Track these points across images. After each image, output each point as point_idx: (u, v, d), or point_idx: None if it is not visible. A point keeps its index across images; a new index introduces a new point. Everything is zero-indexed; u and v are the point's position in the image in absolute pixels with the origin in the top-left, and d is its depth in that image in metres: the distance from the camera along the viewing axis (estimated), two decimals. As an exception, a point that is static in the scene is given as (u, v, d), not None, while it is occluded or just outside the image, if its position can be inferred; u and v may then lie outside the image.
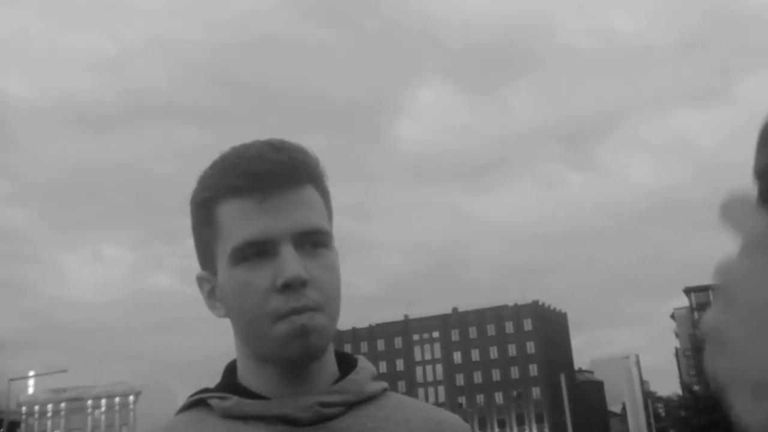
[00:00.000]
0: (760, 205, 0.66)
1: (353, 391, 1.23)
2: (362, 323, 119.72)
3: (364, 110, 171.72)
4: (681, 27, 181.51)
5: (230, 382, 1.25)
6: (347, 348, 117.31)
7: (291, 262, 1.16)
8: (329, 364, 1.25)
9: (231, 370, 1.28)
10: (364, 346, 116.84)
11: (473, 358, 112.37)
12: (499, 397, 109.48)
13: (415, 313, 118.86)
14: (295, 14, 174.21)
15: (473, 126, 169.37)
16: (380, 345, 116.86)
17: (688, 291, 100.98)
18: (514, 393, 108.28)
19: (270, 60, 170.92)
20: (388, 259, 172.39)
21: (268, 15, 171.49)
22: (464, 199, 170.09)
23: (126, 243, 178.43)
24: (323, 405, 1.20)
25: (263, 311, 1.17)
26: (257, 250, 1.17)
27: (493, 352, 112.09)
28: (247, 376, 1.24)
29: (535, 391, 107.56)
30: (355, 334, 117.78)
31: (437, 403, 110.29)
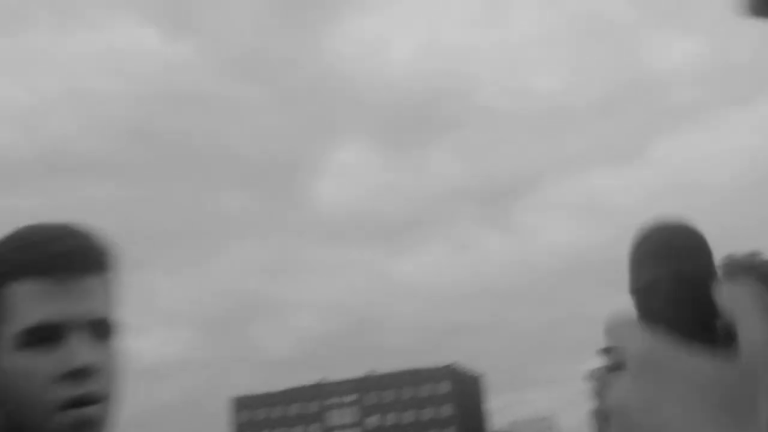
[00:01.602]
0: (640, 323, 0.71)
1: None
2: (276, 387, 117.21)
3: (282, 168, 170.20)
4: (598, 88, 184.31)
5: None
6: (261, 413, 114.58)
7: (79, 350, 1.12)
8: None
9: None
10: (277, 411, 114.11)
11: (389, 422, 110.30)
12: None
13: (331, 376, 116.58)
14: (216, 68, 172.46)
15: (392, 185, 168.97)
16: (295, 409, 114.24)
17: (603, 351, 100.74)
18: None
19: (188, 114, 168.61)
20: (304, 321, 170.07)
21: (188, 68, 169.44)
22: (381, 259, 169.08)
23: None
24: None
25: (44, 400, 1.12)
26: (45, 335, 1.13)
27: (410, 416, 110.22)
28: None
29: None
30: (269, 398, 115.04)
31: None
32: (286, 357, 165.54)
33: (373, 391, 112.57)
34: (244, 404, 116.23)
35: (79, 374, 1.11)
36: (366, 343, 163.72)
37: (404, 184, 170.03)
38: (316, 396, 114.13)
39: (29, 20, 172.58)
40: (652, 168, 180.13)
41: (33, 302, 1.13)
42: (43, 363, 1.11)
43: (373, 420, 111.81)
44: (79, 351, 1.11)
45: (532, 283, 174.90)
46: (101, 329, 1.16)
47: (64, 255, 1.14)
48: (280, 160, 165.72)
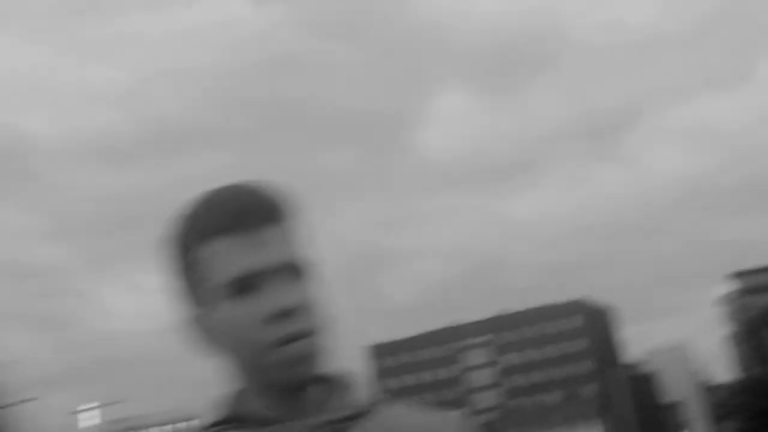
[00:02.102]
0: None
1: (349, 406, 1.28)
2: (410, 333, 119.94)
3: (386, 122, 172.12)
4: (695, 11, 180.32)
5: (232, 413, 1.29)
6: (397, 359, 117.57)
7: (280, 292, 1.21)
8: (324, 384, 1.29)
9: (230, 400, 1.31)
10: (414, 356, 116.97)
11: (524, 360, 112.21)
12: (553, 397, 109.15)
13: (462, 319, 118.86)
14: (308, 30, 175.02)
15: (497, 128, 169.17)
16: (431, 353, 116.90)
17: (735, 275, 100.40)
18: (569, 392, 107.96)
19: (287, 78, 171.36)
20: (427, 268, 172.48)
21: (280, 33, 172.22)
22: (495, 201, 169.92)
23: (161, 271, 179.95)
24: (331, 422, 1.25)
25: (258, 342, 1.21)
26: (245, 285, 1.22)
27: (544, 352, 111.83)
28: (247, 404, 1.28)
29: (590, 388, 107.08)
30: (403, 344, 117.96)
31: (491, 408, 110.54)
32: (414, 304, 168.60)
33: (506, 330, 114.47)
34: (382, 351, 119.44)
35: (284, 314, 1.20)
36: (492, 284, 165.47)
37: (509, 126, 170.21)
38: (451, 338, 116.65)
39: (122, 4, 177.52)
40: (759, 88, 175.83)
41: (228, 258, 1.22)
42: (250, 309, 1.21)
43: (508, 358, 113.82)
44: (279, 293, 1.20)
45: (649, 214, 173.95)
46: (295, 271, 1.24)
47: (248, 210, 1.23)
48: (384, 114, 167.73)
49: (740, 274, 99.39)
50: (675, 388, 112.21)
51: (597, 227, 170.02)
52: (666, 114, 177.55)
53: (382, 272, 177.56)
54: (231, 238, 1.23)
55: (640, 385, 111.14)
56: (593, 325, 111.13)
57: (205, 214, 1.26)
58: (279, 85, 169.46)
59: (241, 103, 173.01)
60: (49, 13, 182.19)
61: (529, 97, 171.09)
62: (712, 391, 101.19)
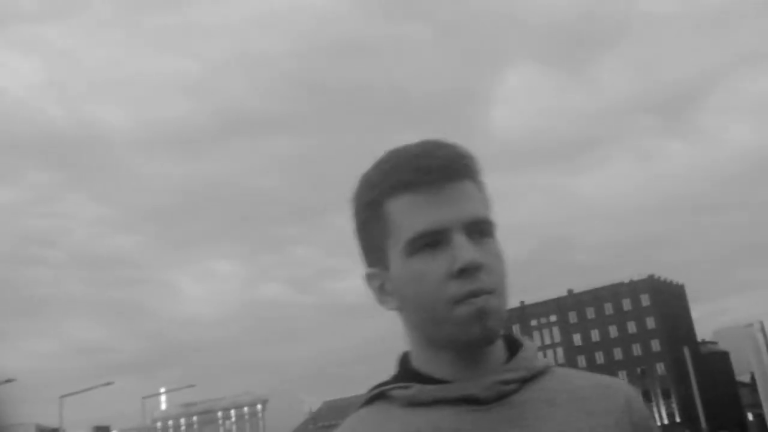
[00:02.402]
0: None
1: (525, 368, 1.29)
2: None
3: (454, 101, 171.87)
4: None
5: (408, 371, 1.31)
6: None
7: (465, 249, 1.21)
8: (499, 346, 1.31)
9: (405, 360, 1.33)
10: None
11: (593, 339, 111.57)
12: (623, 376, 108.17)
13: (531, 298, 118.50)
14: (373, 13, 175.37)
15: (565, 105, 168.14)
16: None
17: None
18: (638, 371, 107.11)
19: (354, 62, 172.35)
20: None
21: (345, 17, 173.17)
22: (565, 179, 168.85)
23: (234, 257, 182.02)
24: (503, 383, 1.26)
25: (442, 297, 1.21)
26: (430, 240, 1.23)
27: (613, 331, 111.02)
28: (423, 364, 1.30)
29: (660, 367, 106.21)
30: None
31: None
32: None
33: (574, 309, 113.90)
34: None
35: (468, 271, 1.21)
36: (561, 263, 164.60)
37: (577, 103, 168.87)
38: (518, 318, 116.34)
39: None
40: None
41: (413, 214, 1.24)
42: (433, 265, 1.22)
43: (577, 337, 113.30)
44: (464, 250, 1.21)
45: (721, 188, 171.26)
46: (479, 229, 1.25)
47: (434, 166, 1.24)
48: (452, 94, 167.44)
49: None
50: (747, 366, 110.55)
51: (667, 203, 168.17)
52: (736, 86, 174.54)
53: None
54: (419, 193, 1.24)
55: (712, 364, 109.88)
56: (663, 303, 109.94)
57: (393, 169, 1.27)
58: (349, 68, 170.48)
59: (311, 89, 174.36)
60: (120, 5, 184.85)
61: (597, 72, 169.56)
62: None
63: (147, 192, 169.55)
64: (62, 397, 47.89)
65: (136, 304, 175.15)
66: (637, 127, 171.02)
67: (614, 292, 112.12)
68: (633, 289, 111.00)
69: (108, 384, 51.17)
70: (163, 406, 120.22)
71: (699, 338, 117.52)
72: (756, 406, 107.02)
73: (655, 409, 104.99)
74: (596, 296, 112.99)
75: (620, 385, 1.34)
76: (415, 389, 1.26)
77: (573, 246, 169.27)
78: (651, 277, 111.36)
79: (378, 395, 1.31)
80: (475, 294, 1.21)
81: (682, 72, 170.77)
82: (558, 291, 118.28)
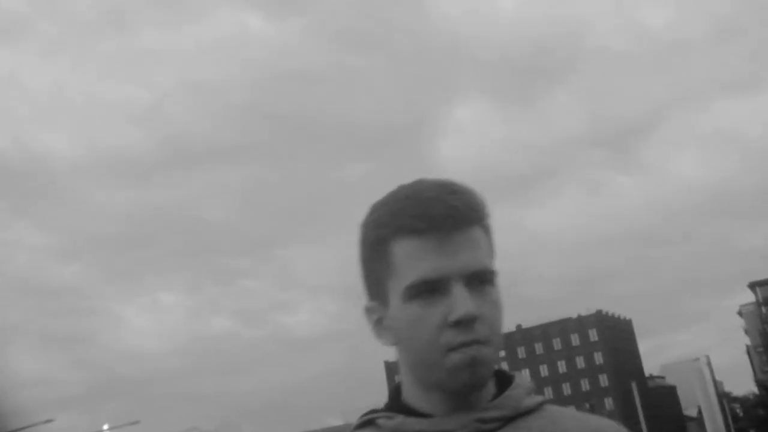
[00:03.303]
0: None
1: (510, 406, 1.30)
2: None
3: (405, 133, 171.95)
4: (713, 16, 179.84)
5: (396, 403, 1.35)
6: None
7: (463, 300, 1.23)
8: (488, 384, 1.32)
9: (397, 392, 1.37)
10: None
11: (542, 374, 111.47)
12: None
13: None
14: (324, 44, 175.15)
15: (514, 138, 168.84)
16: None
17: (753, 285, 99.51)
18: (587, 406, 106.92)
19: (305, 92, 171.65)
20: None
21: (296, 47, 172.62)
22: (514, 212, 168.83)
23: (182, 288, 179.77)
24: (482, 420, 1.28)
25: (435, 344, 1.24)
26: (430, 288, 1.25)
27: (562, 367, 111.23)
28: (412, 397, 1.33)
29: (608, 402, 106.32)
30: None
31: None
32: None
33: (522, 344, 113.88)
34: (396, 368, 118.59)
35: (464, 323, 1.22)
36: (510, 297, 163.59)
37: (527, 136, 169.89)
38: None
39: (138, 20, 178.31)
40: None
41: (417, 259, 1.25)
42: (431, 313, 1.24)
43: (525, 373, 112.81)
44: (461, 302, 1.22)
45: (668, 222, 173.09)
46: (480, 279, 1.27)
47: (443, 215, 1.25)
48: (400, 125, 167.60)
49: (760, 284, 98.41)
50: (694, 401, 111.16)
51: (616, 237, 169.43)
52: (684, 120, 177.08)
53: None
54: (426, 240, 1.26)
55: (660, 399, 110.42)
56: (611, 337, 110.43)
57: (401, 210, 1.29)
58: (297, 98, 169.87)
59: (259, 118, 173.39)
60: (66, 31, 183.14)
61: (547, 106, 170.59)
62: (732, 403, 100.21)
63: (92, 220, 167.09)
64: (-1, 435, 46.43)
65: (79, 334, 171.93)
66: (587, 160, 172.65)
67: (563, 327, 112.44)
68: (581, 324, 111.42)
69: (48, 421, 49.61)
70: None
71: (647, 373, 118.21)
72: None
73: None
74: (545, 331, 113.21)
75: (610, 429, 1.34)
76: (398, 421, 1.31)
77: (522, 280, 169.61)
78: (599, 312, 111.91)
79: (367, 422, 1.36)
80: (467, 344, 1.23)
81: (629, 107, 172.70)
82: (506, 326, 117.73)
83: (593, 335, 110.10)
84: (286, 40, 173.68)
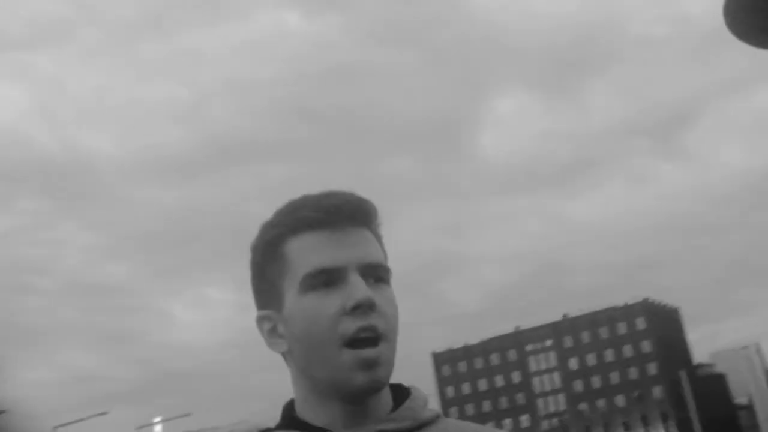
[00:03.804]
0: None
1: (410, 418, 1.27)
2: (473, 339, 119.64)
3: (443, 126, 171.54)
4: None
5: (291, 420, 1.30)
6: (462, 366, 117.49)
7: (360, 287, 1.23)
8: (385, 394, 1.29)
9: (289, 407, 1.32)
10: (478, 362, 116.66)
11: (589, 363, 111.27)
12: (620, 400, 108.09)
13: (526, 323, 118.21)
14: (364, 39, 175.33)
15: (556, 129, 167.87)
16: (494, 359, 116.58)
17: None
18: (636, 394, 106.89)
19: (344, 87, 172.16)
20: (489, 273, 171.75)
21: (335, 43, 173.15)
22: (558, 203, 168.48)
23: (228, 283, 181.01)
24: None
25: (332, 335, 1.22)
26: (327, 279, 1.24)
27: (609, 355, 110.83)
28: (307, 412, 1.29)
29: (657, 391, 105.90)
30: (468, 351, 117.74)
31: (558, 412, 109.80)
32: (477, 310, 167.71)
33: (569, 333, 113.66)
34: (443, 359, 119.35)
35: (362, 309, 1.21)
36: (555, 287, 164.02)
37: (569, 127, 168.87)
38: (514, 344, 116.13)
39: (177, 21, 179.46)
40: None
41: (312, 251, 1.25)
42: (327, 302, 1.22)
43: (573, 362, 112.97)
44: (358, 288, 1.22)
45: (715, 209, 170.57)
46: (376, 274, 1.26)
47: (336, 207, 1.26)
48: (441, 119, 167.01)
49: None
50: (745, 389, 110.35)
51: (661, 226, 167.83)
52: (726, 108, 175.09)
53: (445, 278, 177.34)
54: (321, 232, 1.26)
55: (709, 387, 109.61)
56: (659, 326, 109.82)
57: (296, 210, 1.29)
58: (337, 94, 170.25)
59: (300, 115, 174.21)
60: (108, 35, 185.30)
61: (588, 95, 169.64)
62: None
63: (138, 219, 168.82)
64: (56, 427, 47.47)
65: (130, 331, 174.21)
66: (630, 149, 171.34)
67: (609, 316, 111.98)
68: (628, 312, 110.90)
69: (103, 414, 50.69)
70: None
71: (695, 361, 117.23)
72: (754, 428, 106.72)
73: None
74: (592, 320, 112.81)
75: None
76: None
77: (567, 270, 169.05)
78: (646, 301, 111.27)
79: None
80: (364, 330, 1.21)
81: (672, 94, 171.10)
82: (553, 316, 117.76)
83: (641, 323, 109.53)
84: (325, 36, 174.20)
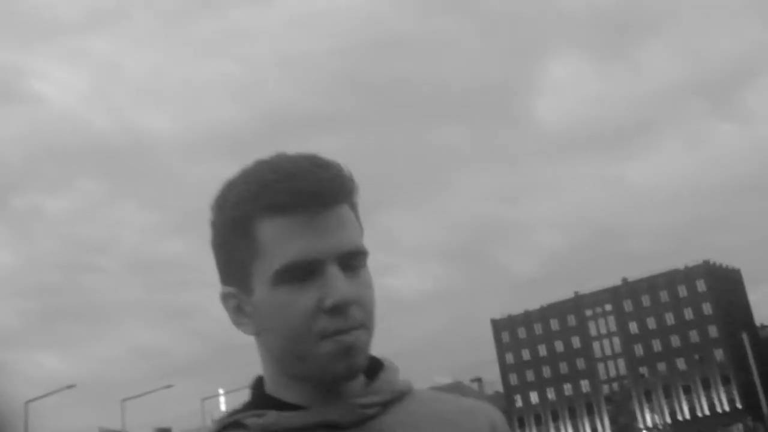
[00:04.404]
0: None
1: (387, 390, 1.24)
2: (533, 305, 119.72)
3: (498, 93, 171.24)
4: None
5: (262, 398, 1.24)
6: (521, 332, 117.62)
7: (338, 284, 1.15)
8: (360, 373, 1.25)
9: (259, 385, 1.26)
10: (537, 328, 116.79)
11: (650, 327, 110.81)
12: (681, 363, 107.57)
13: (585, 288, 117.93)
14: (412, 8, 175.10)
15: (611, 92, 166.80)
16: (554, 325, 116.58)
17: None
18: (696, 357, 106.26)
19: (396, 58, 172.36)
20: (546, 239, 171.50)
21: (386, 14, 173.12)
22: (614, 166, 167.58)
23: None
24: (364, 406, 1.21)
25: (308, 332, 1.16)
26: (302, 272, 1.16)
27: (670, 318, 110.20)
28: (278, 390, 1.23)
29: (718, 354, 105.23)
30: (527, 317, 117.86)
31: (618, 377, 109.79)
32: (536, 276, 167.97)
33: (629, 297, 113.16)
34: (503, 325, 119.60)
35: (340, 308, 1.15)
36: (614, 251, 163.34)
37: (623, 89, 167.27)
38: (574, 309, 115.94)
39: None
40: None
41: (286, 240, 1.15)
42: (303, 298, 1.15)
43: (633, 326, 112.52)
44: (336, 285, 1.14)
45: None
46: (353, 260, 1.18)
47: (312, 190, 1.16)
48: (494, 86, 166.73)
49: None
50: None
51: (719, 186, 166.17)
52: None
53: (502, 245, 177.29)
54: (294, 218, 1.16)
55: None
56: (719, 288, 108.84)
57: (266, 188, 1.18)
58: (388, 65, 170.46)
59: (353, 87, 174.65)
60: (161, 16, 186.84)
61: (642, 57, 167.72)
62: None
63: (194, 196, 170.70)
64: (124, 400, 48.72)
65: (190, 306, 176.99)
66: (686, 110, 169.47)
67: (669, 279, 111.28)
68: (688, 275, 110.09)
69: (168, 386, 52.00)
70: (223, 407, 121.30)
71: (758, 323, 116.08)
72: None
73: (715, 396, 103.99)
74: (651, 284, 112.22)
75: (483, 409, 1.31)
76: (271, 417, 1.19)
77: (625, 234, 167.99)
78: (706, 263, 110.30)
79: (231, 424, 1.22)
80: (343, 331, 1.16)
81: (729, 53, 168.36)
82: (612, 280, 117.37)
83: (701, 286, 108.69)
84: (375, 7, 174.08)
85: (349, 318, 1.16)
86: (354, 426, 1.20)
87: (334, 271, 1.16)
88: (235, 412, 1.24)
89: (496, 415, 1.31)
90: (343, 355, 1.16)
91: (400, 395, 1.25)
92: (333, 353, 1.16)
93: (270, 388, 1.24)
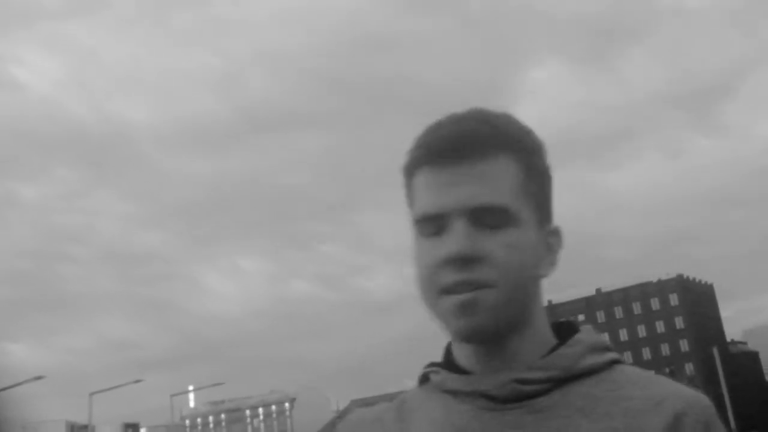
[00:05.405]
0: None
1: (562, 367, 1.15)
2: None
3: (479, 96, 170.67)
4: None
5: (446, 358, 1.25)
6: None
7: (457, 238, 1.12)
8: (536, 337, 1.19)
9: (449, 346, 1.26)
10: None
11: (621, 339, 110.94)
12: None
13: (559, 297, 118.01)
14: (396, 7, 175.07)
15: (592, 100, 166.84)
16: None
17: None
18: (667, 371, 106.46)
19: (378, 56, 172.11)
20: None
21: (369, 12, 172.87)
22: (593, 174, 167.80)
23: (262, 254, 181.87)
24: (522, 382, 1.14)
25: (432, 284, 1.15)
26: (433, 225, 1.16)
27: (641, 331, 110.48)
28: (456, 351, 1.23)
29: (688, 367, 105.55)
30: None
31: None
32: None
33: (602, 308, 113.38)
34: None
35: (458, 262, 1.11)
36: (588, 261, 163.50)
37: (605, 98, 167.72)
38: (548, 317, 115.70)
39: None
40: None
41: (421, 192, 1.17)
42: (429, 251, 1.15)
43: (605, 337, 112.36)
44: (455, 240, 1.12)
45: (750, 183, 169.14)
46: (485, 217, 1.13)
47: (455, 140, 1.14)
48: (475, 89, 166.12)
49: None
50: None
51: (696, 198, 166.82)
52: (765, 80, 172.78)
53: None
54: (432, 170, 1.16)
55: (742, 364, 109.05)
56: (692, 302, 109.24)
57: (422, 138, 1.20)
58: (369, 63, 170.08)
59: (332, 84, 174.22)
60: (141, 4, 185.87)
61: (625, 66, 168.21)
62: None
63: (173, 188, 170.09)
64: (92, 394, 48.19)
65: (164, 300, 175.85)
66: (666, 121, 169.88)
67: (643, 291, 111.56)
68: (662, 288, 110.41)
69: (137, 381, 51.41)
70: (192, 404, 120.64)
71: (728, 338, 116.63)
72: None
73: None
74: (625, 295, 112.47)
75: (680, 399, 1.13)
76: (440, 377, 1.22)
77: (602, 243, 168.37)
78: (680, 277, 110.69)
79: (424, 375, 1.27)
80: (462, 284, 1.12)
81: (710, 66, 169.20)
82: (587, 290, 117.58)
83: (674, 299, 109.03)
84: (358, 5, 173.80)
85: (470, 272, 1.11)
86: (512, 401, 1.14)
87: (457, 226, 1.13)
88: (431, 364, 1.27)
89: (694, 408, 1.13)
90: (459, 313, 1.12)
91: (583, 373, 1.16)
92: (450, 309, 1.13)
93: (453, 349, 1.24)
